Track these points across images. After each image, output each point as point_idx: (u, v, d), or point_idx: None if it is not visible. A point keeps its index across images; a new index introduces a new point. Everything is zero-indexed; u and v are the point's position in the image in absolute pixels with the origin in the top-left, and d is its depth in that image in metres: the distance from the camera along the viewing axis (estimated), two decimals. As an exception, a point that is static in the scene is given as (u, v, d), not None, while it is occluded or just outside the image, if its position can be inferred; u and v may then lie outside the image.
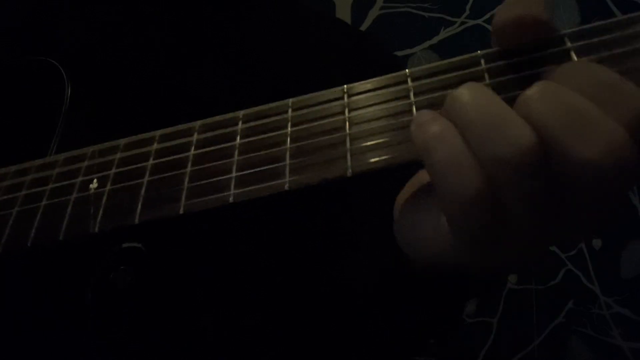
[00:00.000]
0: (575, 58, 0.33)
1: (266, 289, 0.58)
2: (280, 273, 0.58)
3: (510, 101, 0.31)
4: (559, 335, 1.38)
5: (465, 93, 0.31)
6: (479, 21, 1.40)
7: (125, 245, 0.51)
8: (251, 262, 0.58)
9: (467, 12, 1.42)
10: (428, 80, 0.36)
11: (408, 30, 1.44)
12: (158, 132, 0.43)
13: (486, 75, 0.34)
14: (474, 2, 1.42)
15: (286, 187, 0.35)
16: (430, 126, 0.31)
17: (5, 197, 0.46)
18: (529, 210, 0.30)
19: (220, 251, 0.57)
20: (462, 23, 1.42)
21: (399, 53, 1.42)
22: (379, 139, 0.35)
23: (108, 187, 0.41)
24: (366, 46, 0.72)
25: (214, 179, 0.38)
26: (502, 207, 0.31)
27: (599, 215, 0.31)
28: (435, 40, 1.43)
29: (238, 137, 0.39)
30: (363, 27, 1.45)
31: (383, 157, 0.34)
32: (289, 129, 0.38)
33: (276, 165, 0.36)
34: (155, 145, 0.42)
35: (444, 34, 1.43)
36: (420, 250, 0.38)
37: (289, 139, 0.37)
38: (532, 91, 0.30)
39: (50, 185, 0.44)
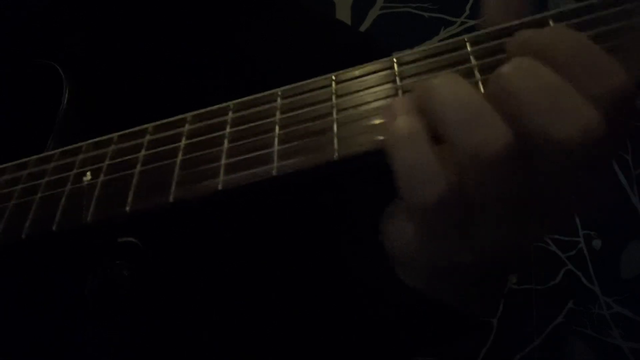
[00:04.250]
0: None
1: (265, 283, 0.58)
2: (279, 266, 0.59)
3: None
4: (559, 335, 1.38)
5: (441, 84, 0.31)
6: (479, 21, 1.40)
7: (120, 240, 0.52)
8: (250, 257, 0.58)
9: (467, 12, 1.42)
10: (414, 65, 0.37)
11: (408, 30, 1.44)
12: (150, 124, 0.43)
13: (472, 58, 0.35)
14: (474, 2, 1.42)
15: (274, 172, 0.36)
16: (399, 121, 0.31)
17: (2, 191, 0.46)
18: (500, 205, 0.30)
19: (217, 246, 0.57)
20: (462, 23, 1.42)
21: (399, 53, 1.42)
22: (365, 122, 0.35)
23: (101, 178, 0.42)
24: (365, 47, 0.72)
25: (203, 167, 0.38)
26: (470, 206, 0.30)
27: (570, 203, 0.30)
28: (435, 40, 1.43)
29: (228, 126, 0.39)
30: (363, 27, 1.46)
31: (370, 140, 0.35)
32: (278, 116, 0.38)
33: (264, 151, 0.37)
34: (147, 137, 0.43)
35: (444, 34, 1.43)
36: (397, 256, 0.38)
37: (277, 126, 0.38)
38: (507, 68, 0.30)
39: (46, 179, 0.45)
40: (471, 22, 1.41)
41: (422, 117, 0.31)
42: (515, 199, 0.30)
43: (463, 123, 0.29)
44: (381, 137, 0.32)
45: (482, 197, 0.29)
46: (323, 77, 0.39)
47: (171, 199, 0.38)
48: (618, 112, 0.28)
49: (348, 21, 1.46)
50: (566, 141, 0.27)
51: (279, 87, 0.41)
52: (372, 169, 0.54)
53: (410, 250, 0.35)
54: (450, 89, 0.31)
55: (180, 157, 0.40)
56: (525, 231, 0.32)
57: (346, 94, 0.37)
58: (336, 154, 0.35)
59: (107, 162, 0.43)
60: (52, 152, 0.47)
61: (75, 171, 0.44)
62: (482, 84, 0.33)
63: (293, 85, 0.40)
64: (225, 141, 0.39)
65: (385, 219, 0.39)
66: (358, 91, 0.37)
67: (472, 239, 0.32)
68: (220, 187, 0.37)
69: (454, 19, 1.43)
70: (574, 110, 0.27)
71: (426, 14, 1.44)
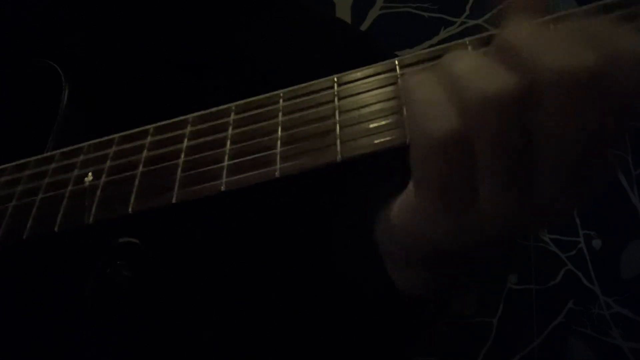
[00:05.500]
0: None
1: (265, 284, 0.58)
2: (279, 266, 0.59)
3: None
4: (559, 335, 1.38)
5: (452, 54, 0.32)
6: (479, 21, 1.40)
7: (122, 240, 0.52)
8: (249, 258, 0.58)
9: (467, 12, 1.42)
10: (416, 68, 0.37)
11: (408, 30, 1.44)
12: (152, 126, 0.43)
13: None
14: (474, 2, 1.42)
15: (277, 174, 0.36)
16: (416, 74, 0.32)
17: (2, 192, 0.46)
18: (501, 162, 0.30)
19: (217, 246, 0.57)
20: (462, 23, 1.42)
21: (399, 53, 1.42)
22: (368, 125, 0.36)
23: (103, 179, 0.42)
24: (367, 46, 0.72)
25: (206, 168, 0.38)
26: (474, 160, 0.31)
27: (575, 180, 0.31)
28: (435, 40, 1.43)
29: (230, 128, 0.39)
30: (363, 27, 1.45)
31: (372, 142, 0.35)
32: (280, 118, 0.38)
33: (267, 153, 0.37)
34: (149, 139, 0.43)
35: (444, 34, 1.43)
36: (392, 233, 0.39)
37: (280, 128, 0.38)
38: (508, 27, 0.31)
39: (47, 180, 0.45)
40: (471, 22, 1.41)
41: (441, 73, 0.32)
42: (514, 153, 0.30)
43: (468, 71, 0.31)
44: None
45: (484, 143, 0.30)
46: (325, 79, 0.39)
47: (174, 200, 0.38)
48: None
49: (348, 21, 1.46)
50: (561, 69, 0.28)
51: (279, 86, 0.41)
52: (372, 170, 0.54)
53: (415, 226, 0.36)
54: (455, 54, 0.32)
55: (182, 158, 0.40)
56: (525, 206, 0.32)
57: (348, 96, 0.38)
58: (339, 156, 0.35)
59: (108, 163, 0.43)
60: (53, 153, 0.47)
61: (76, 172, 0.44)
62: None
63: (295, 87, 0.40)
64: (228, 143, 0.39)
65: (388, 207, 0.39)
66: (360, 93, 0.37)
67: (474, 209, 0.32)
68: (223, 188, 0.37)
69: (454, 19, 1.43)
70: (571, 49, 0.28)
71: (426, 14, 1.44)
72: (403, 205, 0.36)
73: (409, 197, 0.35)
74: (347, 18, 1.46)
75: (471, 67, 0.31)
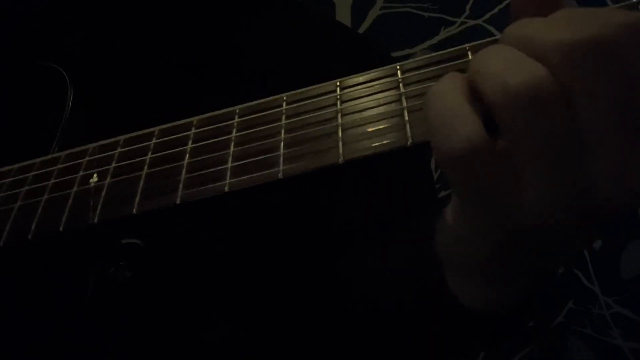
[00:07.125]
0: None
1: (265, 285, 0.58)
2: (279, 267, 0.59)
3: None
4: (559, 335, 1.38)
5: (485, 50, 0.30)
6: (479, 21, 1.40)
7: (124, 241, 0.52)
8: (250, 259, 0.58)
9: (467, 12, 1.42)
10: (417, 72, 0.37)
11: (408, 30, 1.44)
12: (157, 128, 0.44)
13: None
14: (474, 2, 1.42)
15: (280, 175, 0.36)
16: (438, 83, 0.31)
17: (8, 193, 0.47)
18: (536, 154, 0.28)
19: (218, 247, 0.57)
20: (462, 23, 1.42)
21: (399, 53, 1.42)
22: (369, 127, 0.36)
23: (108, 180, 0.42)
24: (366, 49, 0.72)
25: (210, 170, 0.39)
26: (506, 158, 0.29)
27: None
28: (435, 40, 1.43)
29: (234, 130, 0.40)
30: (363, 27, 1.46)
31: (374, 145, 0.35)
32: (283, 121, 0.39)
33: (270, 155, 0.38)
34: (154, 140, 0.43)
35: (444, 34, 1.43)
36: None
37: (283, 131, 0.38)
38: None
39: (52, 181, 0.45)
40: (471, 22, 1.41)
41: (463, 78, 0.31)
42: (550, 148, 0.28)
43: (496, 64, 0.29)
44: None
45: (515, 142, 0.28)
46: (328, 82, 0.40)
47: (178, 200, 0.38)
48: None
49: (348, 21, 1.46)
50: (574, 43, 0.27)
51: (278, 87, 0.42)
52: (373, 172, 0.54)
53: (462, 237, 0.35)
54: (485, 50, 0.30)
55: (187, 160, 0.40)
56: (575, 190, 0.29)
57: (350, 100, 0.38)
58: (341, 158, 0.36)
59: (114, 164, 0.43)
60: (58, 154, 0.47)
61: (81, 173, 0.44)
62: None
63: (298, 90, 0.40)
64: (232, 144, 0.39)
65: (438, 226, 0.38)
66: (362, 97, 0.38)
67: (518, 205, 0.30)
68: (226, 189, 0.37)
69: (454, 19, 1.43)
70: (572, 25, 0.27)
71: (426, 14, 1.44)
72: (451, 211, 0.35)
73: (455, 202, 0.34)
74: (347, 18, 1.47)
75: (488, 62, 0.29)
